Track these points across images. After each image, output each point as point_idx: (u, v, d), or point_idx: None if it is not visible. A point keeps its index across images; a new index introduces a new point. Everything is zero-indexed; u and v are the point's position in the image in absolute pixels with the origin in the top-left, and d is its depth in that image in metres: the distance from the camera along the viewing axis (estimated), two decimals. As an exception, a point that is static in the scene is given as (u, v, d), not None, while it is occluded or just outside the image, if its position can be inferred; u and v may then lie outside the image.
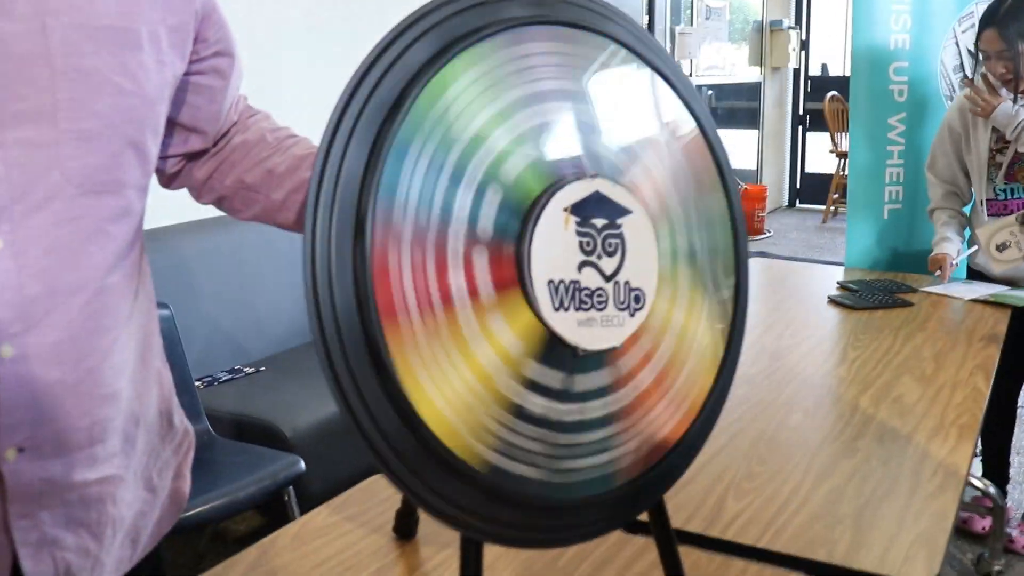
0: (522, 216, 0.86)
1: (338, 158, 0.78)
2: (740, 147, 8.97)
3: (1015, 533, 2.83)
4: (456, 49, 0.84)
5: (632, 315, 0.93)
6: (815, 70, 9.40)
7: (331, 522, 1.34)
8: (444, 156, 0.82)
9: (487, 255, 0.83)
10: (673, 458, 0.99)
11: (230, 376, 2.98)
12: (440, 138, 0.82)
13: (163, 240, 2.92)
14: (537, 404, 0.86)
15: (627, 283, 0.92)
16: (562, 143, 0.90)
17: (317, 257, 0.76)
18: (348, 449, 2.66)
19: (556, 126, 0.90)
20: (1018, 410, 2.97)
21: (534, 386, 0.86)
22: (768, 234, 8.01)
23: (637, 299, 0.93)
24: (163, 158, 1.07)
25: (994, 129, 2.66)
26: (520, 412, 0.85)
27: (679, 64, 7.08)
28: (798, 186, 9.53)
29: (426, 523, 1.29)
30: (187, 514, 2.15)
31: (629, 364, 0.93)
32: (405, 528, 1.29)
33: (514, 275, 0.85)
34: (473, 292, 0.82)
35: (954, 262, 2.76)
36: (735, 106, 8.85)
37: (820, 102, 8.58)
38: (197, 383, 2.81)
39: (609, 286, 0.91)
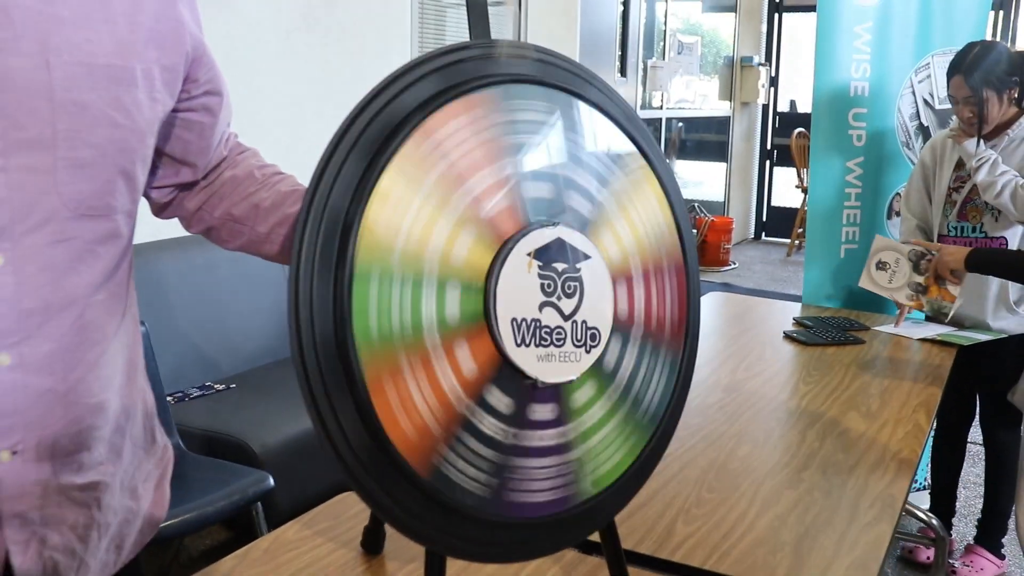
0: (491, 258, 0.94)
1: (325, 195, 0.86)
2: (708, 179, 9.13)
3: (957, 564, 2.94)
4: (445, 97, 0.93)
5: (588, 352, 1.02)
6: (783, 106, 9.59)
7: (302, 536, 1.41)
8: (426, 197, 0.90)
9: (459, 291, 0.92)
10: (621, 484, 1.07)
11: (201, 392, 3.04)
12: (423, 178, 0.90)
13: (138, 257, 2.96)
14: (496, 429, 0.95)
15: (584, 322, 1.01)
16: (530, 192, 0.98)
17: (300, 283, 0.84)
18: (316, 466, 2.72)
19: (526, 176, 0.98)
20: (967, 446, 3.08)
21: (493, 412, 0.94)
22: (733, 266, 8.15)
23: (593, 337, 1.02)
24: (156, 188, 1.14)
25: (956, 168, 2.80)
26: (480, 436, 0.93)
27: (650, 97, 7.20)
28: (764, 219, 9.70)
29: (392, 539, 1.37)
30: (160, 526, 2.20)
31: (582, 398, 1.02)
32: (372, 543, 1.36)
33: (480, 311, 0.93)
34: (442, 322, 0.91)
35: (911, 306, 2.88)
36: (704, 139, 9.01)
37: (787, 138, 8.77)
38: (168, 399, 2.87)
39: (567, 325, 0.99)
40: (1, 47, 0.86)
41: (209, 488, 2.38)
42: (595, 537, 1.13)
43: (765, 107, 9.52)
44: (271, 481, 2.47)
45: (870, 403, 2.15)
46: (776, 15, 9.32)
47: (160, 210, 1.19)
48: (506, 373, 0.95)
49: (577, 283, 1.00)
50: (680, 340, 1.14)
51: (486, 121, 0.95)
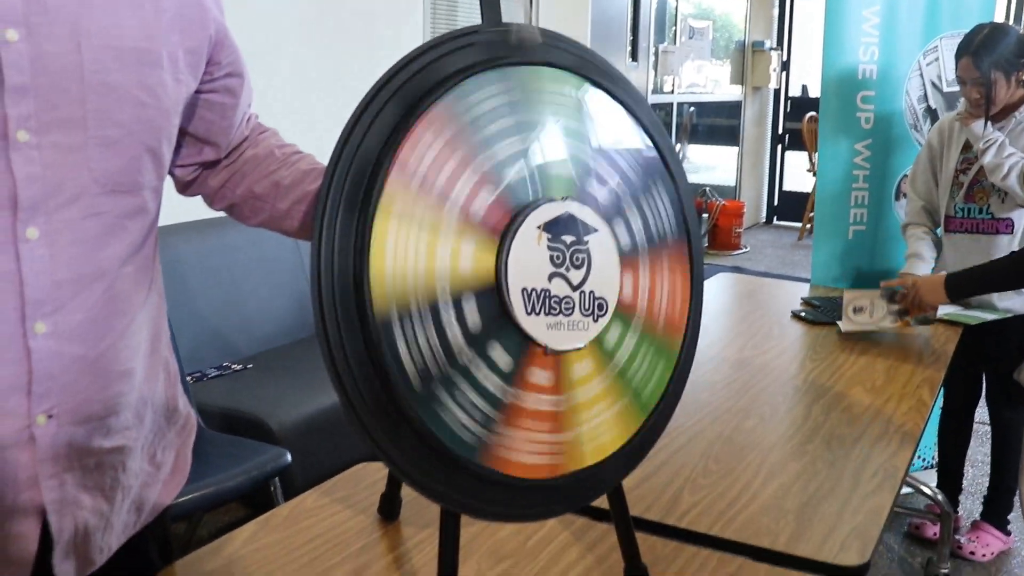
0: (505, 224, 0.99)
1: (360, 137, 0.92)
2: (720, 164, 9.15)
3: (963, 540, 2.98)
4: (484, 66, 0.99)
5: (595, 320, 1.06)
6: (795, 91, 9.59)
7: (321, 504, 1.46)
8: (446, 157, 0.96)
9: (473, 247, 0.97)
10: (630, 448, 1.12)
11: (219, 372, 3.10)
12: (445, 140, 0.96)
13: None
14: (495, 384, 0.99)
15: (592, 292, 1.06)
16: (538, 168, 1.03)
17: (326, 217, 0.90)
18: (332, 442, 2.78)
19: (534, 153, 1.03)
20: (975, 425, 3.12)
21: (493, 367, 0.99)
22: (745, 249, 8.17)
23: (600, 307, 1.07)
24: (181, 166, 1.19)
25: (963, 150, 2.83)
26: (478, 387, 0.98)
27: (662, 82, 7.21)
28: (776, 203, 9.72)
29: (408, 506, 1.42)
30: (178, 500, 2.26)
31: (587, 367, 1.07)
32: (389, 510, 1.41)
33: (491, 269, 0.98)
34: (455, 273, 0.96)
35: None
36: (716, 123, 9.02)
37: (799, 122, 8.77)
38: (187, 378, 2.92)
39: (576, 295, 1.04)
40: (36, 32, 0.91)
41: (228, 464, 2.44)
42: (604, 504, 1.18)
43: (777, 91, 9.52)
44: (288, 457, 2.53)
45: (875, 379, 2.19)
46: (788, -1, 9.31)
47: (185, 187, 1.23)
48: (509, 332, 0.99)
49: (585, 255, 1.05)
50: (680, 332, 1.18)
51: (514, 96, 1.01)
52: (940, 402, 3.08)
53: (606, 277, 1.07)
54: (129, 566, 1.17)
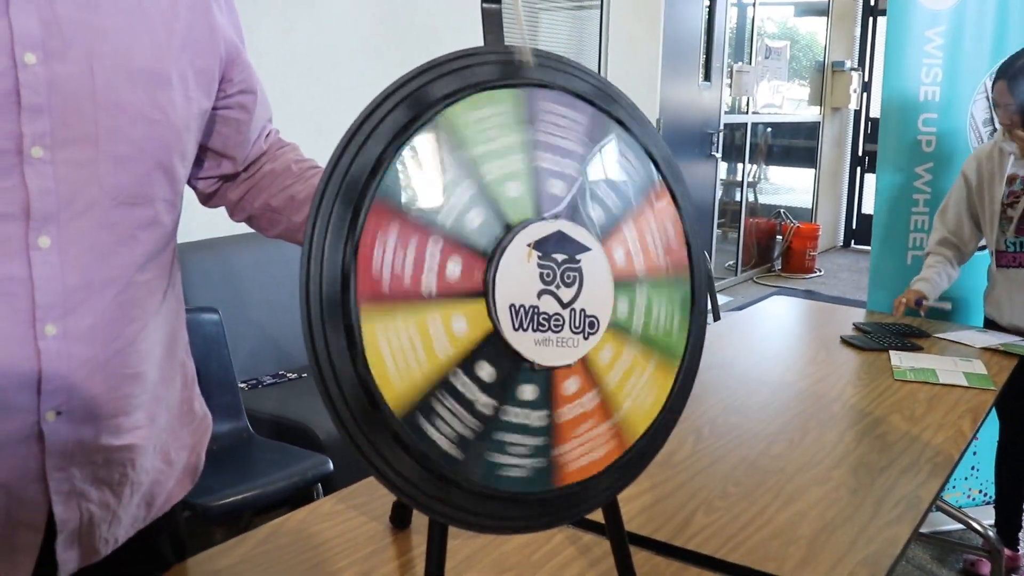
0: (491, 249, 1.01)
1: (349, 160, 0.95)
2: (796, 185, 9.03)
3: (1019, 578, 2.90)
4: (469, 90, 1.01)
5: (586, 338, 1.08)
6: (877, 112, 9.42)
7: (337, 509, 1.50)
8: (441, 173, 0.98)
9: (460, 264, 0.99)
10: (611, 474, 1.12)
11: (274, 380, 3.18)
12: (443, 158, 0.99)
13: (216, 249, 3.13)
14: (487, 405, 1.01)
15: (583, 310, 1.07)
16: (531, 188, 1.05)
17: (314, 240, 0.92)
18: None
19: (528, 172, 1.05)
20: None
21: (484, 386, 1.01)
22: (819, 273, 8.05)
23: (591, 325, 1.08)
24: (202, 179, 1.25)
25: (1008, 182, 2.76)
26: (471, 408, 1.00)
27: (736, 102, 7.12)
28: (854, 226, 9.55)
29: (419, 515, 1.45)
30: (223, 502, 2.34)
31: (574, 386, 1.08)
32: (400, 519, 1.44)
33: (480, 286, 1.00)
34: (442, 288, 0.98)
35: (914, 301, 2.89)
36: (792, 144, 8.91)
37: (879, 144, 8.62)
38: (242, 385, 3.01)
39: (566, 312, 1.06)
40: (52, 55, 0.96)
41: (273, 469, 2.51)
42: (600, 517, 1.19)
43: (857, 112, 9.37)
44: (331, 465, 2.58)
45: (916, 407, 2.15)
46: (871, 18, 9.17)
47: (207, 199, 1.29)
48: (500, 351, 1.01)
49: (576, 273, 1.06)
50: (685, 268, 1.18)
51: (450, 143, 1.02)
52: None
53: (598, 295, 1.08)
54: (140, 560, 1.22)
